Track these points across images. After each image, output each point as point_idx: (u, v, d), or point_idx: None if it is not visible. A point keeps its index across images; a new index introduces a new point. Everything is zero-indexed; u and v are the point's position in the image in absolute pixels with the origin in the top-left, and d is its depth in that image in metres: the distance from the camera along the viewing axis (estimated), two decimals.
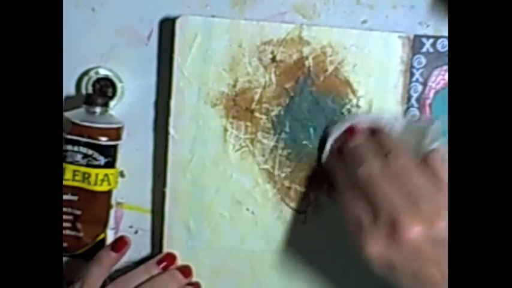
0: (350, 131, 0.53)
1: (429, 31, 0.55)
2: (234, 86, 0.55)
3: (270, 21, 0.55)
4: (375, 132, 0.52)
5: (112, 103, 0.57)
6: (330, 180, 0.55)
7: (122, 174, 0.58)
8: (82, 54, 0.57)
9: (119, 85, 0.57)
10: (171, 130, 0.55)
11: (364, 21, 0.56)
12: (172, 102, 0.55)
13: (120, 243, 0.56)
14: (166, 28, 0.56)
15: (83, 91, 0.57)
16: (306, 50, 0.54)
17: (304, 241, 0.56)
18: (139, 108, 0.58)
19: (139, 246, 0.59)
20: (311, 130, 0.55)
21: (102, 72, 0.57)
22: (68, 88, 0.58)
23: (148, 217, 0.59)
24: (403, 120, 0.54)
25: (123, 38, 0.57)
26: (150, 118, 0.58)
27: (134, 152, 0.58)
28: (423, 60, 0.54)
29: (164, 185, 0.56)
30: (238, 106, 0.55)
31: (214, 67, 0.55)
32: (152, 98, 0.58)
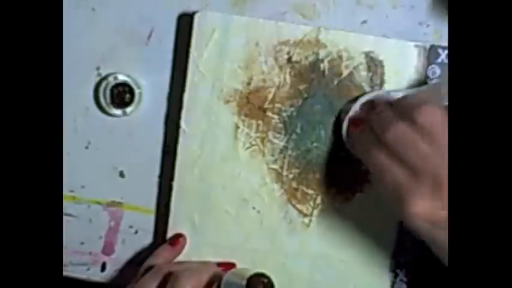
0: (368, 105, 0.52)
1: (429, 31, 0.56)
2: (249, 83, 0.55)
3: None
4: (392, 103, 0.51)
5: (129, 109, 0.57)
6: (337, 185, 0.55)
7: (121, 174, 0.58)
8: (82, 54, 0.57)
9: (136, 91, 0.57)
10: (183, 124, 0.55)
11: (364, 22, 0.56)
12: (186, 96, 0.55)
13: (177, 238, 0.56)
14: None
15: (101, 96, 0.57)
16: (322, 53, 0.54)
17: (307, 244, 0.56)
18: (140, 108, 0.58)
19: (139, 247, 0.59)
20: (322, 133, 0.55)
21: (121, 78, 0.56)
22: (68, 88, 0.57)
23: (148, 217, 0.58)
24: (414, 89, 0.53)
25: (123, 38, 0.57)
26: (150, 117, 0.58)
27: (134, 152, 0.58)
28: (437, 71, 0.54)
29: (171, 178, 0.56)
30: (251, 104, 0.55)
31: (229, 64, 0.55)
32: (152, 98, 0.58)
